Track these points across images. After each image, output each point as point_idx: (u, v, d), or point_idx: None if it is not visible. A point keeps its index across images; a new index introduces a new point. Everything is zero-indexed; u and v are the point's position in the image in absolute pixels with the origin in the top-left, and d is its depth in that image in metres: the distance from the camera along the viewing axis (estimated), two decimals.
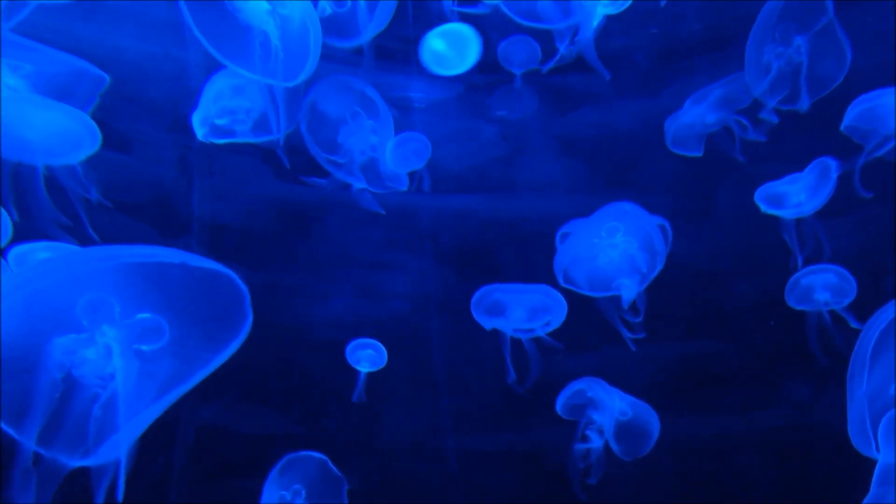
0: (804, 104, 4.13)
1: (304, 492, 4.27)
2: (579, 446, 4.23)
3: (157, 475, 4.29)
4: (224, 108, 4.05)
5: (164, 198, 4.82)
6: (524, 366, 4.43)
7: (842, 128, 3.89)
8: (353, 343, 4.92)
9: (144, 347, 1.85)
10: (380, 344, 4.87)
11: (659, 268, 3.95)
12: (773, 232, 4.19)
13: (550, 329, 4.22)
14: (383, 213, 4.53)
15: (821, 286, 4.09)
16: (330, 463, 4.27)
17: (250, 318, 1.85)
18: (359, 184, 4.56)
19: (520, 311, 4.19)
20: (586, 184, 4.93)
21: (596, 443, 4.26)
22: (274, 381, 5.02)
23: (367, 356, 4.93)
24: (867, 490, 3.98)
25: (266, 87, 3.64)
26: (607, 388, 4.36)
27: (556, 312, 4.18)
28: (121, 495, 1.83)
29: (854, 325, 4.00)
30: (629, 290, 3.98)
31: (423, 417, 5.08)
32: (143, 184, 4.68)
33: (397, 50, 4.89)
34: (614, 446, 4.28)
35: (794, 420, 4.65)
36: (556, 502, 4.58)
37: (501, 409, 4.78)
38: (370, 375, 4.88)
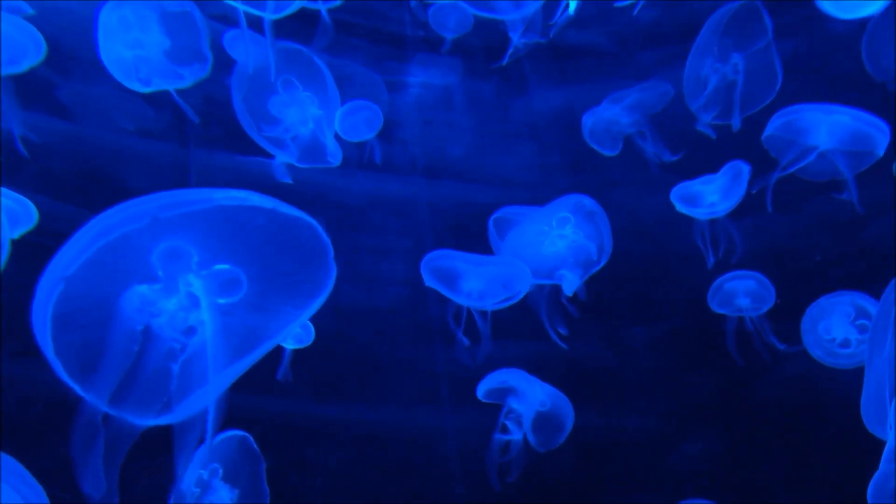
0: (736, 122, 4.33)
1: (220, 470, 4.09)
2: (499, 437, 4.24)
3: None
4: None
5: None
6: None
7: (763, 137, 4.10)
8: None
9: (221, 300, 1.70)
10: (309, 324, 4.72)
11: (602, 263, 4.03)
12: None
13: (504, 305, 4.17)
14: (290, 182, 4.34)
15: (742, 292, 4.29)
16: (251, 441, 4.10)
17: (334, 273, 1.73)
18: (286, 157, 4.36)
19: (475, 283, 4.07)
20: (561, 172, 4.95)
21: (515, 434, 4.29)
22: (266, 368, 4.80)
23: (293, 333, 4.77)
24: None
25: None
26: (529, 378, 4.40)
27: (519, 288, 4.09)
28: (202, 461, 1.67)
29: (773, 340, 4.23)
30: (570, 283, 4.04)
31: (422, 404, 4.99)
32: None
33: (393, 34, 4.77)
34: (530, 437, 4.32)
35: (703, 420, 4.86)
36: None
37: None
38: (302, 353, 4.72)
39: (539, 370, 4.33)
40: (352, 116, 4.44)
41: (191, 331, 1.71)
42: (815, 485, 4.49)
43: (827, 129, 4.04)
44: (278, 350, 4.71)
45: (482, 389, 4.38)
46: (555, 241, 4.03)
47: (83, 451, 1.69)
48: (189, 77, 3.80)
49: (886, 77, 3.96)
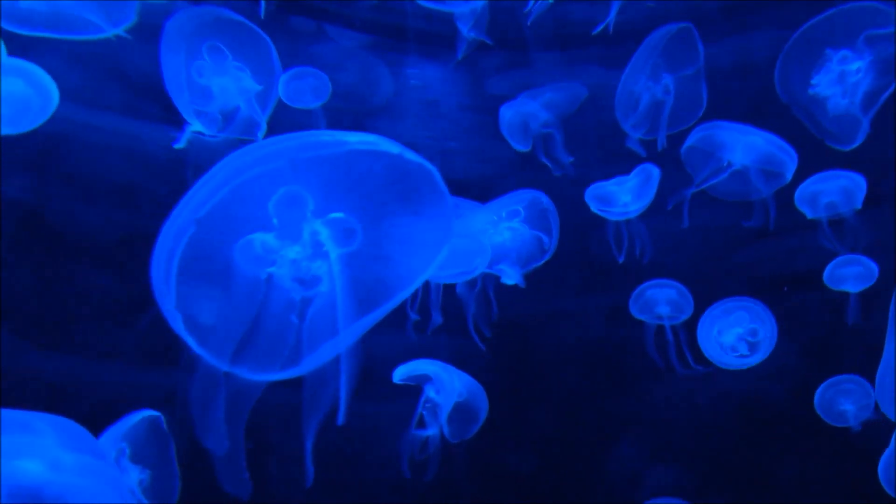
0: (661, 140, 4.55)
1: (127, 450, 3.88)
2: (416, 433, 4.21)
3: None
4: None
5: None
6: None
7: (683, 148, 4.33)
8: None
9: (336, 251, 1.61)
10: None
11: (544, 260, 4.11)
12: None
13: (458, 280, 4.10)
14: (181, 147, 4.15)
15: (663, 300, 4.47)
16: (162, 421, 3.91)
17: (453, 223, 1.65)
18: (201, 127, 4.17)
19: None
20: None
21: (431, 428, 4.28)
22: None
23: None
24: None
25: None
26: (448, 368, 4.41)
27: (477, 264, 4.03)
28: (342, 417, 1.58)
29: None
30: (510, 276, 4.11)
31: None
32: None
33: (392, 25, 4.64)
34: (445, 429, 4.33)
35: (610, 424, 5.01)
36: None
37: None
38: None
39: (461, 363, 4.35)
40: (296, 81, 4.28)
41: (314, 281, 1.62)
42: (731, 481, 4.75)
43: (742, 147, 4.31)
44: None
45: (399, 374, 4.33)
46: (501, 232, 4.06)
47: (203, 408, 1.57)
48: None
49: (790, 100, 4.23)
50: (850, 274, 4.21)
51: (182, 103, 4.11)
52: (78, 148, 4.29)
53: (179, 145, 4.04)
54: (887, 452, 2.84)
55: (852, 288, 4.22)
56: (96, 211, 4.44)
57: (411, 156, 1.60)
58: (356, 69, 4.84)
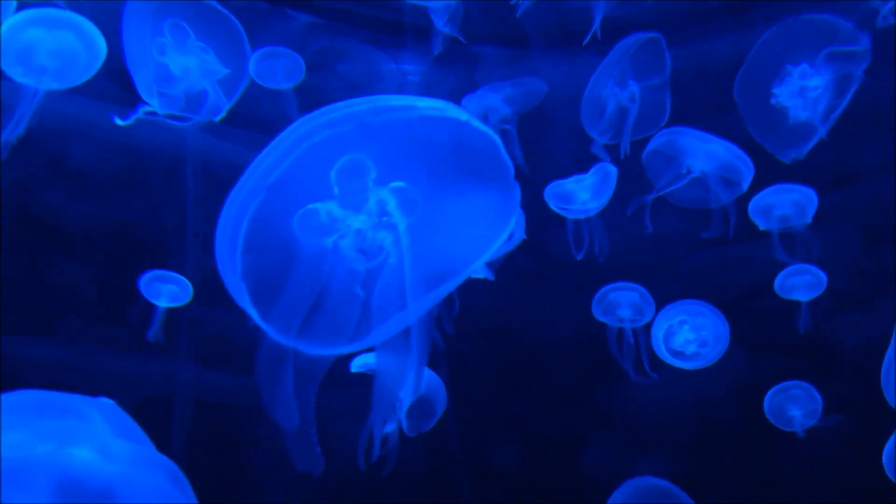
0: (624, 147, 4.63)
1: None
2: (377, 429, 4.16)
3: None
4: None
5: None
6: None
7: (645, 153, 4.41)
8: (151, 274, 4.37)
9: (404, 221, 1.56)
10: (185, 279, 4.40)
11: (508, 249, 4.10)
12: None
13: None
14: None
15: (625, 303, 4.53)
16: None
17: (518, 196, 1.61)
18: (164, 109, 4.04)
19: None
20: None
21: (389, 423, 4.23)
22: None
23: (167, 291, 4.43)
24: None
25: None
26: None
27: None
28: (416, 392, 1.52)
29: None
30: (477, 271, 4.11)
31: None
32: None
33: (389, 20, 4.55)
34: (404, 422, 4.29)
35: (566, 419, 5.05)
36: None
37: None
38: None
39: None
40: (269, 60, 4.18)
41: (379, 252, 1.57)
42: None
43: (703, 155, 4.42)
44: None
45: (357, 364, 4.26)
46: None
47: (271, 382, 1.50)
48: None
49: (743, 112, 4.35)
50: (801, 283, 4.35)
51: (141, 81, 3.98)
52: (63, 137, 4.14)
53: (125, 122, 3.91)
54: (891, 441, 2.96)
55: (802, 296, 4.37)
56: (84, 204, 4.30)
57: (477, 124, 1.56)
58: (363, 63, 4.78)
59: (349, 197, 1.53)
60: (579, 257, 4.49)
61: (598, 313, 4.45)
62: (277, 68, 4.22)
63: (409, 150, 1.53)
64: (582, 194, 4.49)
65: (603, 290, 4.44)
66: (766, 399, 4.35)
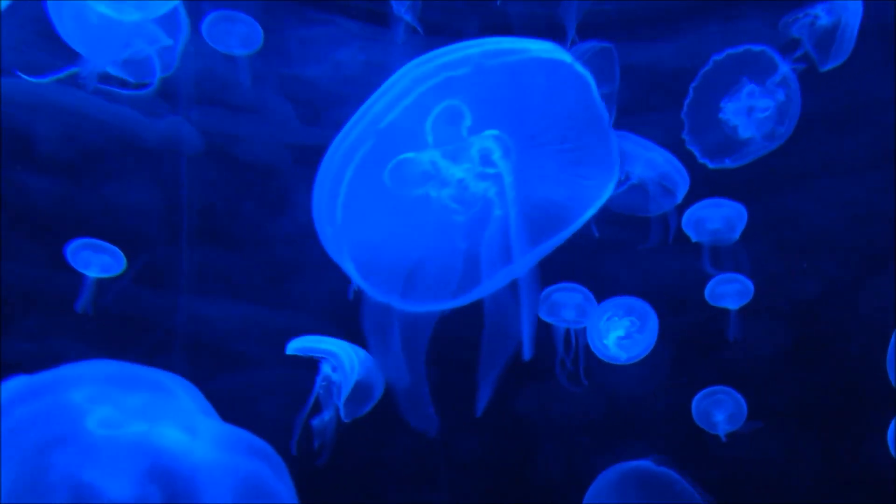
0: None
1: None
2: (315, 422, 4.05)
3: None
4: None
5: None
6: None
7: None
8: (79, 242, 4.11)
9: (509, 171, 1.47)
10: (118, 250, 4.17)
11: None
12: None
13: None
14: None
15: (569, 305, 4.56)
16: None
17: (616, 145, 1.54)
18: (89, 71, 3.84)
19: None
20: None
21: (327, 411, 4.13)
22: None
23: (99, 261, 4.17)
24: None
25: None
26: (346, 345, 4.26)
27: None
28: (529, 352, 1.42)
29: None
30: None
31: None
32: None
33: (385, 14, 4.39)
34: (341, 408, 4.20)
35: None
36: None
37: None
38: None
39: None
40: (225, 23, 4.01)
41: (481, 203, 1.49)
42: None
43: (643, 162, 4.54)
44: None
45: (294, 347, 4.13)
46: None
47: (378, 342, 1.40)
48: None
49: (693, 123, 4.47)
50: (730, 291, 4.52)
51: (66, 34, 3.77)
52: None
53: (40, 80, 3.72)
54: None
55: (731, 305, 4.54)
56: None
57: (578, 67, 1.50)
58: (361, 54, 4.65)
59: (449, 146, 1.45)
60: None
61: (542, 314, 4.47)
62: (234, 33, 4.05)
63: (506, 96, 1.46)
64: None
65: (547, 290, 4.45)
66: (693, 403, 4.49)
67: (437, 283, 1.45)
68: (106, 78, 3.73)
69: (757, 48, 4.03)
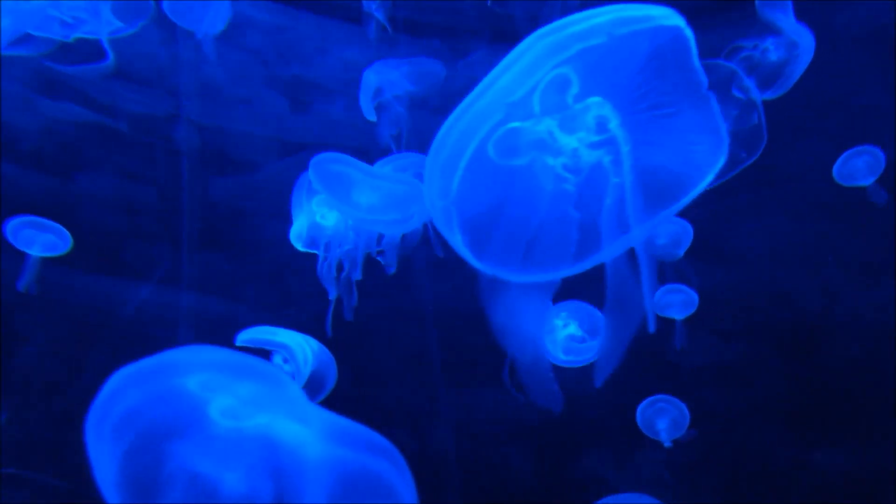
0: None
1: None
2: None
3: None
4: None
5: None
6: None
7: None
8: (21, 220, 3.89)
9: (626, 138, 1.44)
10: (63, 229, 3.96)
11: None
12: None
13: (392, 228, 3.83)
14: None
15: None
16: None
17: (718, 112, 1.51)
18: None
19: (369, 195, 3.55)
20: None
21: None
22: None
23: (43, 240, 3.95)
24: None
25: None
26: (298, 336, 4.16)
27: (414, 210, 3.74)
28: (652, 325, 1.37)
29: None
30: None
31: None
32: None
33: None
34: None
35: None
36: None
37: None
38: None
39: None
40: None
41: (593, 171, 1.45)
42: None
43: None
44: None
45: (243, 339, 4.00)
46: None
47: (499, 316, 1.34)
48: None
49: None
50: (675, 301, 4.65)
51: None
52: None
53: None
54: None
55: (677, 315, 4.68)
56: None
57: (687, 32, 1.46)
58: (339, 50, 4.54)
59: (563, 114, 1.43)
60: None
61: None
62: (196, 6, 3.90)
63: (611, 62, 1.45)
64: None
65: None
66: (638, 412, 4.59)
67: (553, 254, 1.42)
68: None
69: (727, 64, 4.18)
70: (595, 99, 1.43)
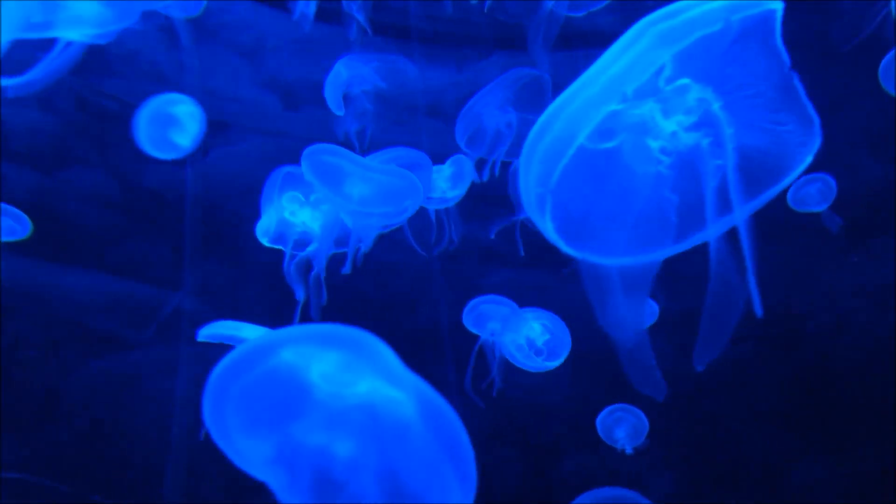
0: (493, 169, 4.81)
1: None
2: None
3: None
4: None
5: None
6: None
7: (511, 168, 4.62)
8: None
9: (721, 121, 1.42)
10: (22, 214, 3.82)
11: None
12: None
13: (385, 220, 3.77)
14: None
15: (495, 317, 4.59)
16: None
17: (808, 102, 1.50)
18: None
19: (361, 187, 3.52)
20: None
21: None
22: None
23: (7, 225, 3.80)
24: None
25: None
26: (260, 330, 4.06)
27: (408, 204, 3.67)
28: (759, 308, 1.36)
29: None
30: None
31: None
32: None
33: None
34: None
35: None
36: None
37: None
38: None
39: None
40: None
41: (692, 154, 1.44)
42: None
43: None
44: None
45: (205, 334, 3.89)
46: None
47: (600, 301, 1.32)
48: None
49: None
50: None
51: None
52: None
53: None
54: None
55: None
56: None
57: (778, 13, 1.45)
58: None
59: (658, 97, 1.43)
60: (437, 251, 4.52)
61: (468, 324, 4.49)
62: None
63: (700, 43, 1.46)
64: (441, 183, 4.52)
65: (474, 301, 4.49)
66: (598, 421, 4.65)
67: (652, 236, 1.42)
68: None
69: None
70: (684, 81, 1.44)
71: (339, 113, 4.46)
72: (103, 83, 3.97)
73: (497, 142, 4.71)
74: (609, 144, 1.39)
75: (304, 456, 1.28)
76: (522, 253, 4.49)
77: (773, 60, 1.45)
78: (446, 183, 4.39)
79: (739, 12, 1.38)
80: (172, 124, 3.16)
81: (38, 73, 2.50)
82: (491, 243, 4.73)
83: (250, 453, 1.31)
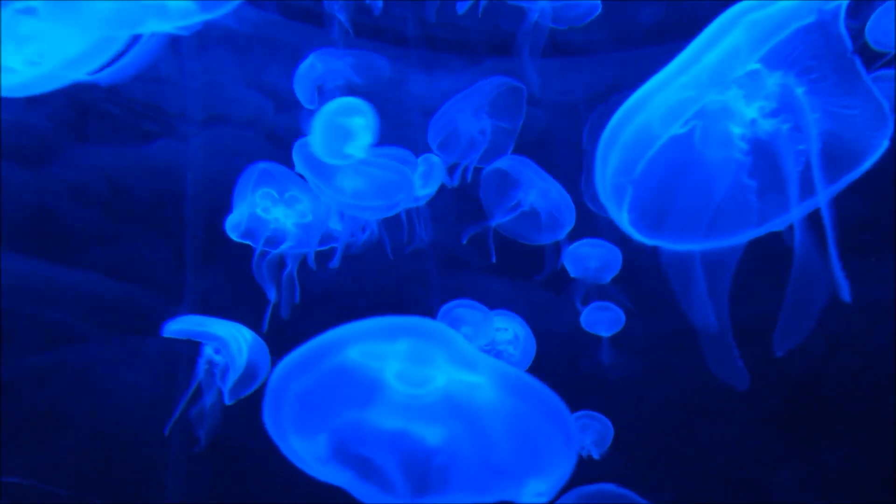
0: (466, 175, 4.84)
1: None
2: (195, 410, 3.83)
3: None
4: None
5: None
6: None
7: (483, 173, 4.62)
8: None
9: (804, 107, 1.43)
10: None
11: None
12: None
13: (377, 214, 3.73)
14: None
15: (469, 321, 4.57)
16: None
17: (872, 84, 1.52)
18: None
19: (353, 180, 3.46)
20: None
21: (208, 396, 3.91)
22: None
23: None
24: None
25: None
26: (230, 325, 4.05)
27: (400, 198, 3.64)
28: (847, 294, 1.35)
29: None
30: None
31: None
32: None
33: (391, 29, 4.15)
34: (224, 392, 3.97)
35: None
36: None
37: None
38: None
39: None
40: None
41: (771, 139, 1.44)
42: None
43: (537, 191, 4.74)
44: None
45: (171, 329, 3.85)
46: None
47: (683, 287, 1.31)
48: None
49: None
50: (603, 319, 4.78)
51: None
52: None
53: None
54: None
55: (604, 332, 4.80)
56: None
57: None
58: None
59: (739, 83, 1.44)
60: (408, 250, 4.52)
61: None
62: None
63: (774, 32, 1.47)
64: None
65: (449, 305, 4.49)
66: None
67: (733, 222, 1.43)
68: None
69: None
70: (755, 66, 1.45)
71: (311, 107, 4.44)
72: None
73: (470, 148, 4.72)
74: (693, 132, 1.40)
75: (389, 450, 1.25)
76: (494, 259, 4.51)
77: (836, 44, 1.47)
78: (418, 181, 4.40)
79: (829, 3, 1.38)
80: (348, 137, 3.07)
81: (124, 65, 2.49)
82: (462, 248, 4.74)
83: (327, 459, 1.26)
